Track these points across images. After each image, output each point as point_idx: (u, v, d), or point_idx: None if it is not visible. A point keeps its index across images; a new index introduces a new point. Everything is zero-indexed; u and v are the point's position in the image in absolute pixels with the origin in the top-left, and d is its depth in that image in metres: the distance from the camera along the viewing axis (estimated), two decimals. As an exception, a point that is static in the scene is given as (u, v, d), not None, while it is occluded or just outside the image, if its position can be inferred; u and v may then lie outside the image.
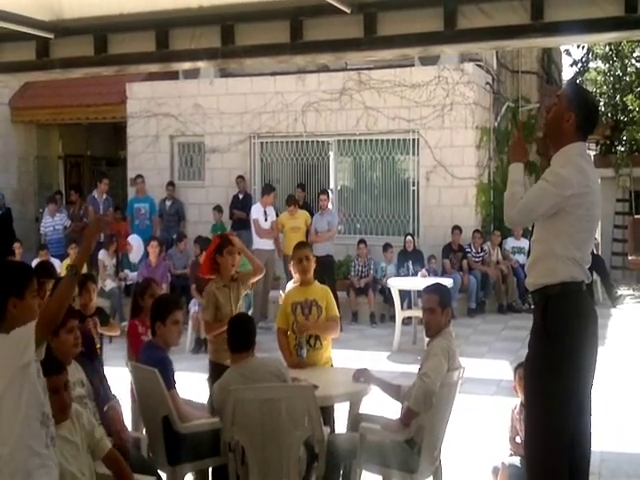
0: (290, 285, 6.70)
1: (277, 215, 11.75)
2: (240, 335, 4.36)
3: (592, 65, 17.39)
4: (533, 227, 3.73)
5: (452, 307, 4.45)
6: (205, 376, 5.51)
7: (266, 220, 11.46)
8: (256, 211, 11.50)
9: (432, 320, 4.37)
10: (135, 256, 11.76)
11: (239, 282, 5.57)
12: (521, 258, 12.06)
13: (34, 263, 9.84)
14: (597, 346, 3.54)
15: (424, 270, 10.62)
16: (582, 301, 3.53)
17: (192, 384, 5.79)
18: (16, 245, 11.10)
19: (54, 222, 13.25)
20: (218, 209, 12.85)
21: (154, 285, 5.39)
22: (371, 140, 12.95)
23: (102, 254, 11.33)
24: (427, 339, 4.49)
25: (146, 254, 11.22)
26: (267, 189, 11.82)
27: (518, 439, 4.53)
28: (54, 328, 3.11)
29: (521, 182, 3.64)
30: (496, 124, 13.54)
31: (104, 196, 13.09)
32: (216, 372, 5.30)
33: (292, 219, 11.40)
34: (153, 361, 4.41)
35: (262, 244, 11.22)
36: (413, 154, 12.67)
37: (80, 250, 3.20)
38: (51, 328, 3.05)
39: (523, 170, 3.70)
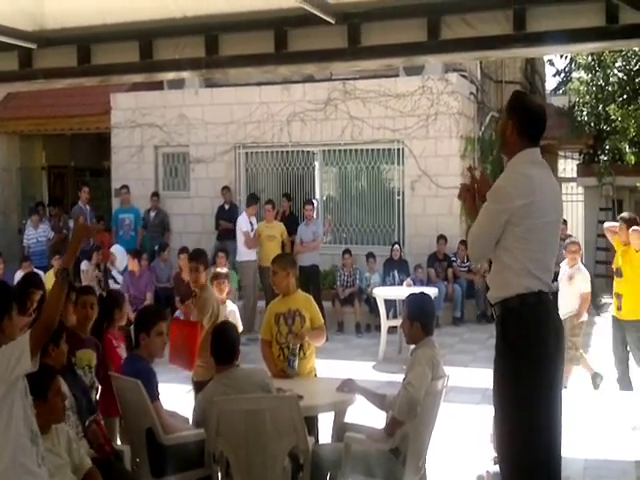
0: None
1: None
2: (223, 345, 4.34)
3: (575, 75, 17.52)
4: None
5: (428, 320, 4.44)
6: (188, 388, 5.48)
7: (252, 230, 11.46)
8: (245, 223, 11.43)
9: (405, 329, 4.49)
10: (119, 266, 11.70)
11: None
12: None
13: (18, 275, 9.80)
14: (561, 356, 3.47)
15: (409, 279, 10.64)
16: (540, 312, 3.43)
17: (176, 396, 5.75)
18: None
19: (37, 234, 13.17)
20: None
21: (121, 298, 5.37)
22: (356, 150, 12.97)
23: (85, 265, 11.25)
24: (411, 348, 4.50)
25: (130, 264, 11.15)
26: (253, 199, 11.80)
27: (503, 448, 4.53)
28: (51, 334, 3.09)
29: None
30: (480, 134, 13.62)
31: (87, 206, 13.03)
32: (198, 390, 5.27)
33: (268, 227, 11.38)
34: (136, 372, 4.38)
35: (249, 255, 11.20)
36: (398, 164, 12.71)
37: (67, 254, 3.17)
38: (48, 334, 3.03)
39: None
